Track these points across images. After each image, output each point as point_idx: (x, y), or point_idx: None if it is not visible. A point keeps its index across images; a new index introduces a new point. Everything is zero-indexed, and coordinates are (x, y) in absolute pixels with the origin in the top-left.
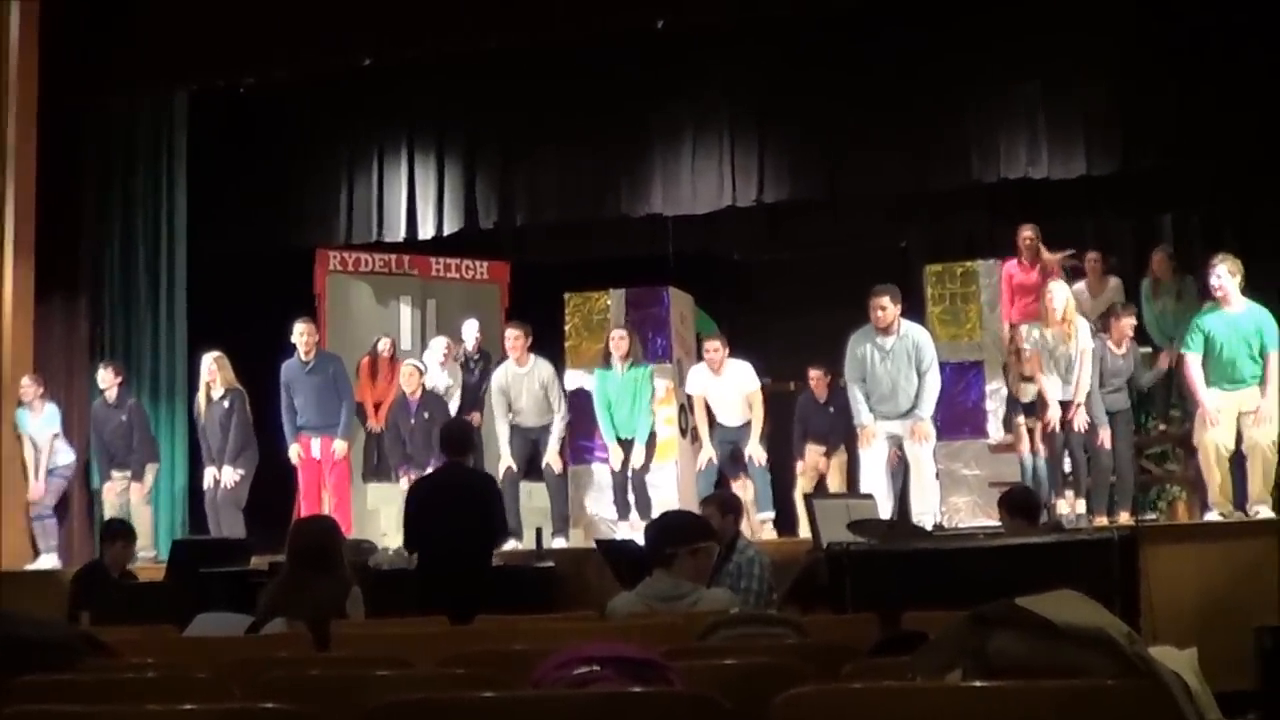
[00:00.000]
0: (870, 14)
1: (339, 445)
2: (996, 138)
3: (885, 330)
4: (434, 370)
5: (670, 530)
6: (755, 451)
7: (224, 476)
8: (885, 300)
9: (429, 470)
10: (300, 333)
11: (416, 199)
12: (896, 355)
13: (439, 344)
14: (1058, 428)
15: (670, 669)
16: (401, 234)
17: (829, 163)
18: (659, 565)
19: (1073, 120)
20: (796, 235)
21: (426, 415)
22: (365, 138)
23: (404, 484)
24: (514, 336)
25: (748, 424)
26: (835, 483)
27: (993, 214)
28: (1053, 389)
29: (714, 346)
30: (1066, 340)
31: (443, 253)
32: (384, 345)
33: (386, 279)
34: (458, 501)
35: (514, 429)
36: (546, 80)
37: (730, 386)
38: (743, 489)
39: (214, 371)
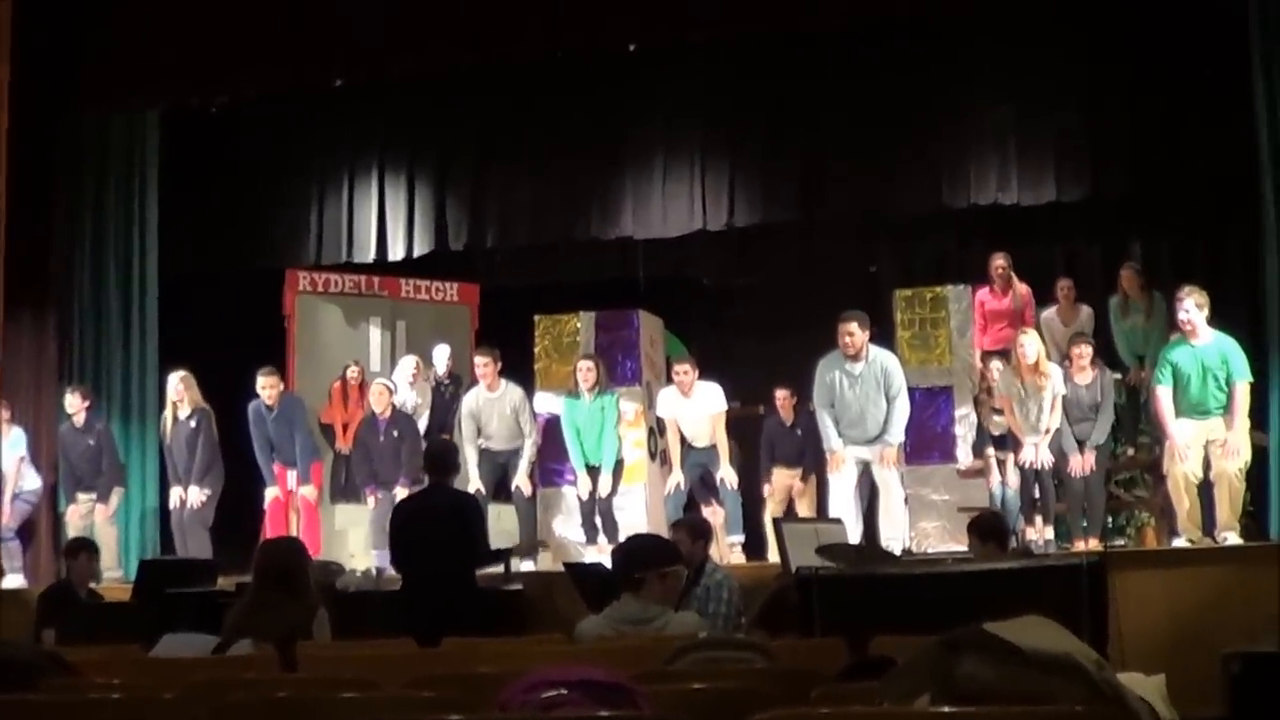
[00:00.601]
0: (842, 38)
1: (307, 490)
2: (967, 162)
3: (854, 356)
4: (403, 389)
5: (638, 554)
6: (727, 474)
7: (190, 496)
8: (853, 326)
9: (397, 488)
10: (263, 385)
11: (387, 220)
12: (865, 381)
13: (408, 362)
14: (1027, 466)
15: (638, 693)
16: (371, 255)
17: (799, 186)
18: (627, 589)
19: (1043, 146)
20: (766, 259)
21: (395, 433)
22: (336, 158)
23: (371, 503)
24: (483, 363)
25: (716, 446)
26: (804, 507)
27: (963, 239)
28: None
29: (683, 369)
30: (1039, 391)
31: (412, 274)
32: (353, 373)
33: (356, 300)
34: (442, 522)
35: (483, 453)
36: (517, 101)
37: (699, 409)
38: (713, 514)
39: (181, 391)
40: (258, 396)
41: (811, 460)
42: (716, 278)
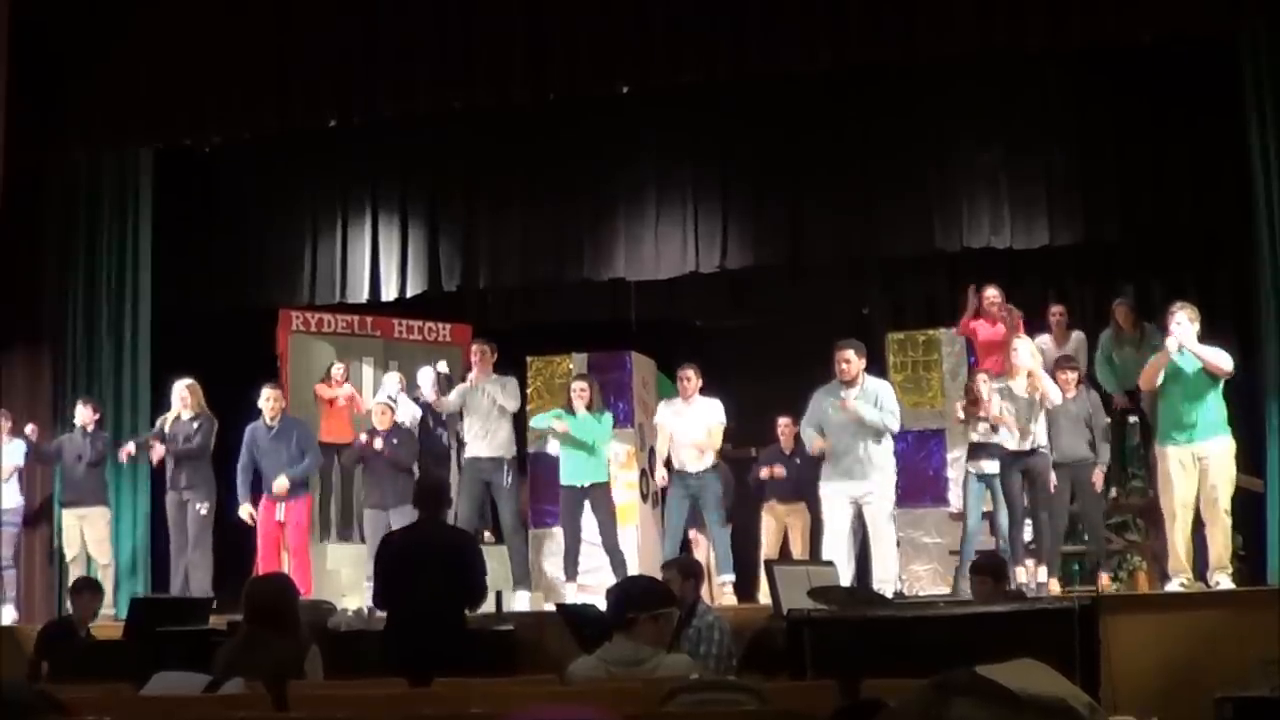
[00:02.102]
0: (835, 81)
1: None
2: (959, 205)
3: (849, 383)
4: (403, 401)
5: (632, 595)
6: (713, 514)
7: (187, 497)
8: (849, 354)
9: (396, 514)
10: (267, 398)
11: (380, 259)
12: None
13: (393, 379)
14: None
15: None
16: (365, 295)
17: (792, 228)
18: (619, 630)
19: (1036, 190)
20: (759, 300)
21: (395, 441)
22: (329, 197)
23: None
24: (479, 350)
25: (707, 472)
26: (798, 541)
27: (954, 281)
28: (1011, 441)
29: (687, 376)
30: (1031, 392)
31: (405, 314)
32: (338, 370)
33: (349, 339)
34: (435, 560)
35: (467, 463)
36: (510, 142)
37: (696, 420)
38: (702, 551)
39: (186, 398)
40: (256, 420)
41: (806, 491)
42: (708, 319)
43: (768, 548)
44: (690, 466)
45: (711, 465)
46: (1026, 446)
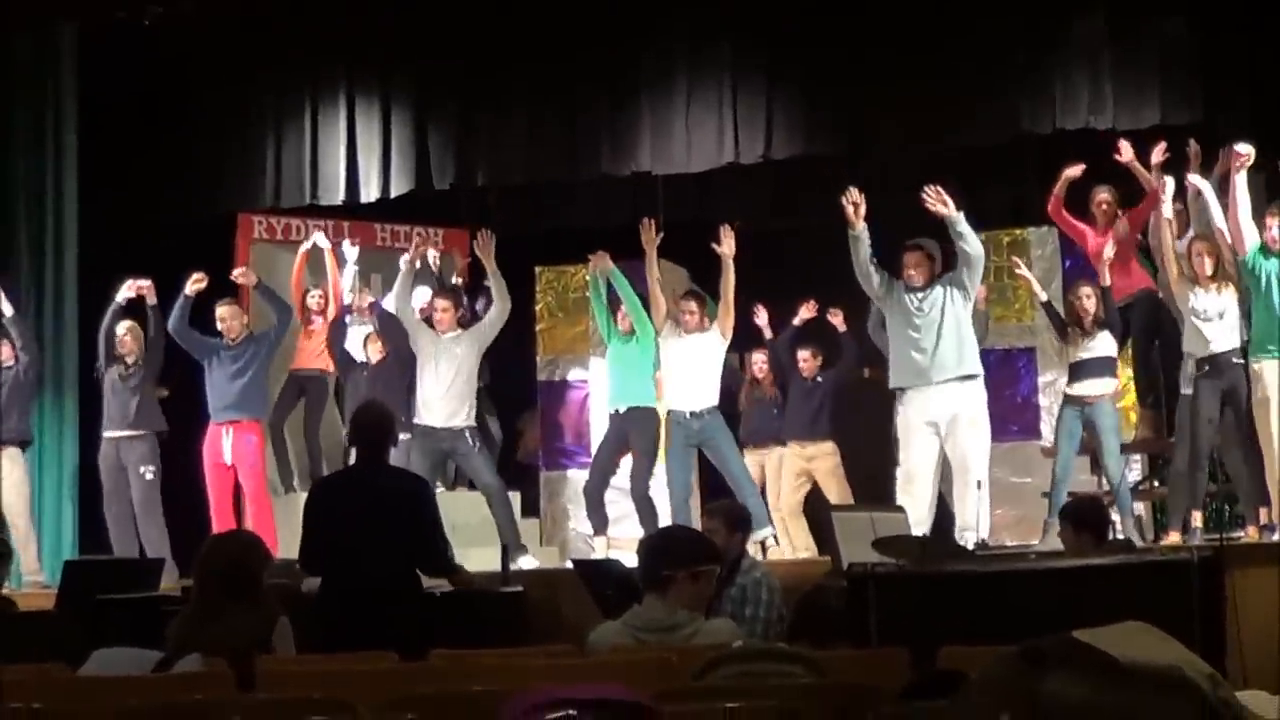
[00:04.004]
0: None
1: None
2: (1051, 82)
3: (921, 287)
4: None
5: (669, 550)
6: (731, 459)
7: (130, 459)
8: (918, 256)
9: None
10: (221, 317)
11: (358, 154)
12: (934, 307)
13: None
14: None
15: (661, 714)
16: (340, 196)
17: (849, 113)
18: (652, 590)
19: (1145, 60)
20: (809, 200)
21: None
22: (296, 81)
23: None
24: (443, 307)
25: (709, 410)
26: (834, 490)
27: (1045, 174)
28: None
29: (690, 309)
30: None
31: (389, 219)
32: (315, 299)
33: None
34: (375, 509)
35: (417, 431)
36: (514, 14)
37: (696, 355)
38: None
39: (129, 344)
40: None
41: (837, 428)
42: (750, 222)
43: (788, 496)
44: (683, 406)
45: (714, 404)
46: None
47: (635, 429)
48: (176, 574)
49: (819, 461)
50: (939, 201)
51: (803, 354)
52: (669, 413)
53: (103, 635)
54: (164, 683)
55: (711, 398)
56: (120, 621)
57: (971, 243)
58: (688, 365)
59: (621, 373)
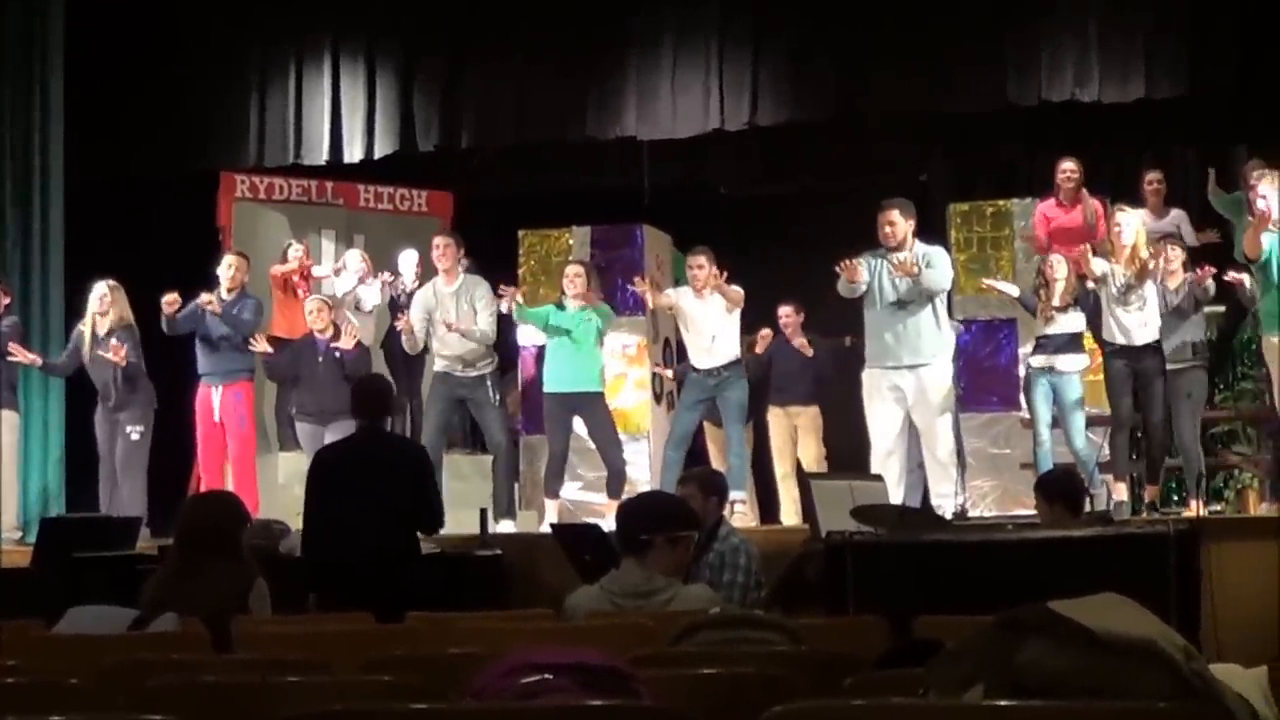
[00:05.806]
0: None
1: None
2: (1037, 52)
3: (896, 249)
4: (350, 282)
5: (647, 514)
6: (734, 422)
7: (118, 428)
8: (894, 215)
9: (334, 426)
10: (228, 264)
11: (342, 114)
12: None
13: (354, 256)
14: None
15: (637, 679)
16: (324, 156)
17: (836, 79)
18: (631, 555)
19: (1131, 33)
20: (796, 165)
21: (338, 356)
22: (281, 39)
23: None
24: (443, 244)
25: (726, 367)
26: (811, 451)
27: (1031, 144)
28: (1131, 327)
29: (698, 263)
30: (1141, 280)
31: (373, 179)
32: (295, 253)
33: (305, 209)
34: (376, 477)
35: (439, 378)
36: None
37: (709, 314)
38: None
39: (107, 303)
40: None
41: (818, 389)
42: (735, 187)
43: (779, 459)
44: (703, 364)
45: (734, 359)
46: (1147, 339)
47: (586, 412)
48: (149, 535)
49: (802, 419)
50: (907, 272)
51: (784, 309)
52: (688, 370)
53: (79, 593)
54: (138, 642)
55: (729, 353)
56: (96, 579)
57: (940, 285)
58: (701, 324)
59: (559, 352)
